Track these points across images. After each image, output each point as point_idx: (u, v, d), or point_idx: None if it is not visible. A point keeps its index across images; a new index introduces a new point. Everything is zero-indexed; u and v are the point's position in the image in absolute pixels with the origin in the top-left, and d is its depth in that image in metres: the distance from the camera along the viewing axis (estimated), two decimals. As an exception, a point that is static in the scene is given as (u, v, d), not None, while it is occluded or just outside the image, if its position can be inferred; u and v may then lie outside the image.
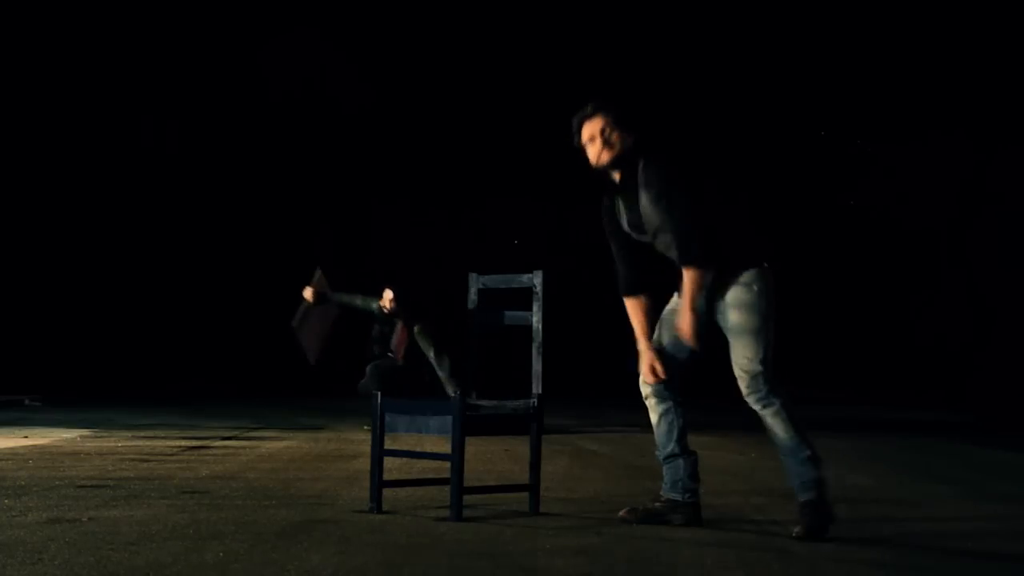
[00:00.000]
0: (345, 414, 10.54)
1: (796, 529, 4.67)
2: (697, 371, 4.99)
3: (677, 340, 4.89)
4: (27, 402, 12.21)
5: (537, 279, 5.32)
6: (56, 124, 14.81)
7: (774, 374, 4.79)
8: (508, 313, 5.47)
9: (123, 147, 15.15)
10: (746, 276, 4.80)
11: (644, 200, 4.84)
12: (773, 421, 4.78)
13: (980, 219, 14.57)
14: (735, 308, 4.80)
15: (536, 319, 5.28)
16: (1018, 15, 13.63)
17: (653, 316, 5.01)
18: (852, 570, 4.13)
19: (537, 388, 5.26)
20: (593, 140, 4.90)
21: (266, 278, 15.14)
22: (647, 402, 5.02)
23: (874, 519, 5.34)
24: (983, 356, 14.57)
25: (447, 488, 5.03)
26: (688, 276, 4.78)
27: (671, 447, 4.96)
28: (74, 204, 14.97)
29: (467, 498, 5.06)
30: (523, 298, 5.38)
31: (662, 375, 4.90)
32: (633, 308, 5.01)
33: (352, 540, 4.43)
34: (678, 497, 4.95)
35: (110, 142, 15.11)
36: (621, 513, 4.96)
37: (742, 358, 4.79)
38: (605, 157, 4.89)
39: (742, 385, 4.81)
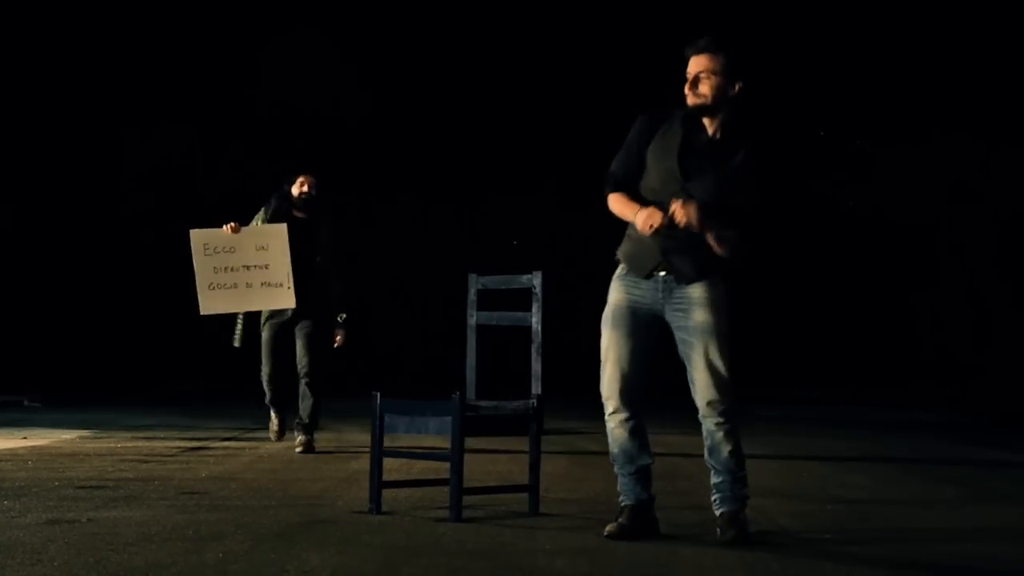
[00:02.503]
0: (343, 414, 10.54)
1: (730, 533, 4.51)
2: (661, 374, 4.78)
3: (644, 343, 4.65)
4: (26, 403, 12.21)
5: (536, 280, 5.33)
6: (54, 124, 14.81)
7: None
8: (507, 314, 5.47)
9: (123, 147, 15.16)
10: (712, 278, 4.61)
11: (735, 161, 4.56)
12: (724, 440, 4.57)
13: (980, 219, 14.58)
14: (701, 307, 4.58)
15: (535, 320, 5.29)
16: (1018, 15, 13.64)
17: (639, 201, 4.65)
18: (851, 570, 4.13)
19: (536, 389, 5.26)
20: (696, 77, 4.59)
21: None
22: (616, 415, 4.66)
23: (873, 519, 5.34)
24: (983, 356, 14.57)
25: (446, 489, 5.03)
26: (733, 232, 4.54)
27: (645, 458, 4.69)
28: (73, 204, 14.97)
29: (466, 499, 5.07)
30: (523, 299, 5.38)
31: (662, 217, 4.50)
32: (621, 195, 4.67)
33: (351, 541, 4.43)
34: (646, 500, 4.70)
35: (110, 142, 15.12)
36: (610, 528, 4.64)
37: (712, 361, 4.55)
38: (694, 99, 4.57)
39: (707, 393, 4.55)
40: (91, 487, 5.76)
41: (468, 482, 5.12)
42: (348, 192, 15.65)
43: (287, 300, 7.80)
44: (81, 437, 8.64)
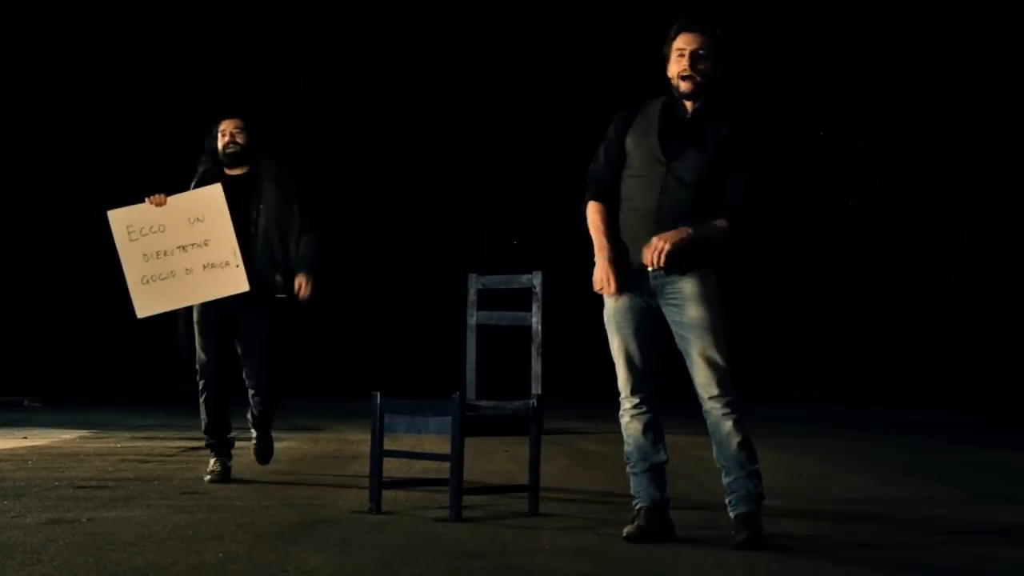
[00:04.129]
0: (343, 415, 10.54)
1: (742, 536, 4.45)
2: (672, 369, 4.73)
3: (649, 338, 4.62)
4: (27, 403, 12.21)
5: (536, 279, 5.33)
6: (54, 122, 14.80)
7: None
8: (507, 314, 5.47)
9: (122, 146, 15.16)
10: (703, 271, 4.55)
11: (719, 136, 4.54)
12: (732, 431, 4.51)
13: (981, 219, 14.58)
14: (695, 302, 4.54)
15: (535, 320, 5.29)
16: (1018, 16, 13.63)
17: (610, 233, 4.65)
18: (850, 571, 4.13)
19: (536, 389, 5.26)
20: (683, 55, 4.54)
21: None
22: (632, 412, 4.64)
23: (873, 520, 5.34)
24: (983, 355, 14.57)
25: (446, 489, 5.03)
26: (721, 224, 4.52)
27: (660, 455, 4.66)
28: (73, 204, 14.97)
29: (466, 499, 5.07)
30: (522, 298, 5.38)
31: (613, 290, 4.57)
32: (598, 212, 4.65)
33: (351, 541, 4.43)
34: (660, 501, 4.66)
35: (109, 142, 15.12)
36: (629, 530, 4.58)
37: (711, 355, 4.50)
38: (690, 78, 4.52)
39: (709, 388, 4.51)
40: (91, 487, 5.76)
41: (468, 482, 5.12)
42: (347, 192, 15.67)
43: (237, 282, 6.18)
44: (81, 437, 8.64)
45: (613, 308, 4.67)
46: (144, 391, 13.85)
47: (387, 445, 5.28)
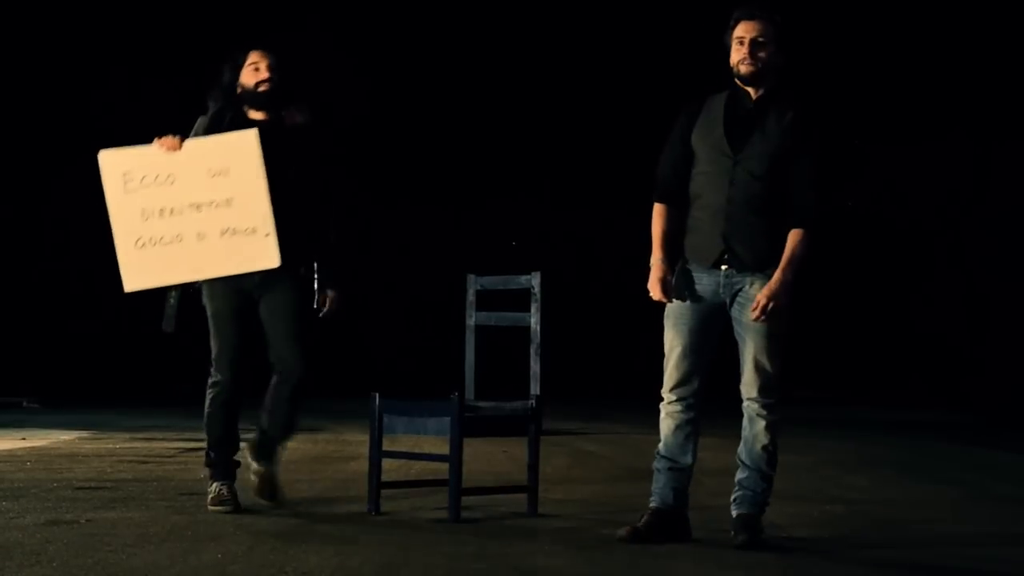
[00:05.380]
0: (342, 415, 10.54)
1: (741, 537, 4.46)
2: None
3: (706, 339, 4.59)
4: (25, 404, 12.20)
5: (535, 280, 5.34)
6: (44, 121, 14.79)
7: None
8: (506, 314, 5.48)
9: (118, 144, 15.15)
10: (773, 271, 4.50)
11: (784, 122, 4.52)
12: (764, 432, 4.54)
13: (977, 217, 14.58)
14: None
15: (534, 320, 5.30)
16: (1017, 14, 13.63)
17: (672, 238, 4.65)
18: (850, 571, 4.14)
19: (535, 389, 5.27)
20: (743, 43, 4.53)
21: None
22: (669, 409, 4.62)
23: (872, 520, 5.35)
24: (982, 355, 14.57)
25: (445, 489, 5.03)
26: (799, 237, 4.47)
27: (686, 458, 4.64)
28: (66, 201, 14.96)
29: (465, 499, 5.07)
30: (522, 299, 5.39)
31: (663, 296, 4.58)
32: (662, 215, 4.64)
33: (350, 542, 4.43)
34: (673, 506, 4.67)
35: (104, 143, 15.11)
36: (621, 532, 4.59)
37: (761, 361, 4.54)
38: (751, 64, 4.51)
39: (753, 387, 4.54)
40: (90, 488, 5.76)
41: (467, 483, 5.11)
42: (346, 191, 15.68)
43: (266, 256, 4.94)
44: (80, 438, 8.63)
45: (676, 303, 4.64)
46: (142, 392, 13.85)
47: (386, 446, 5.28)
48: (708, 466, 5.63)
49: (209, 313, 5.14)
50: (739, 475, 4.59)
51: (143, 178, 4.98)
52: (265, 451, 5.15)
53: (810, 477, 6.99)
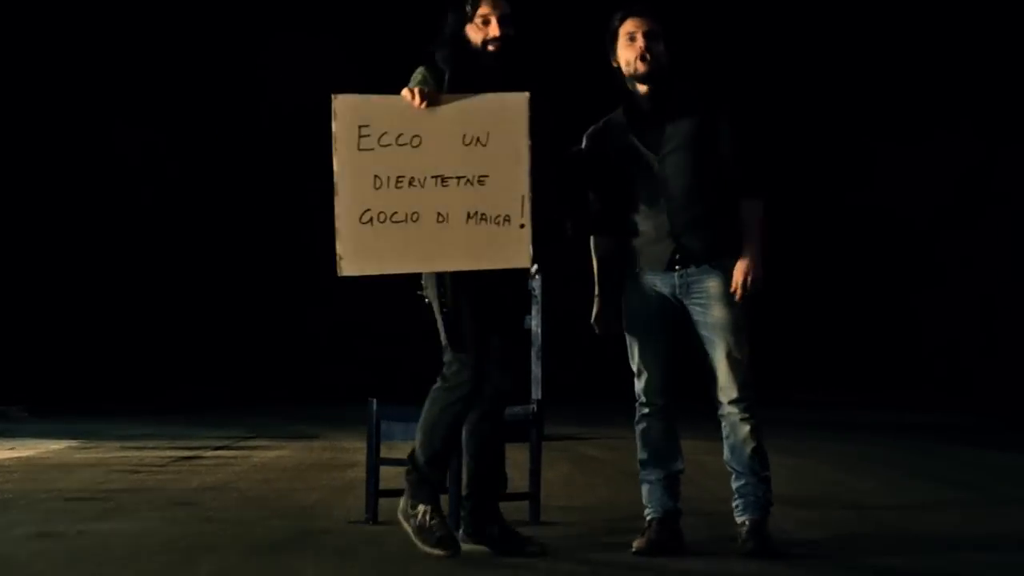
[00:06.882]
0: (341, 422, 10.51)
1: (750, 544, 4.42)
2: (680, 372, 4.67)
3: (669, 342, 4.57)
4: (13, 412, 12.17)
5: (536, 281, 5.30)
6: (32, 131, 14.79)
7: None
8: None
9: (110, 150, 15.13)
10: (729, 263, 4.49)
11: (694, 112, 4.51)
12: (748, 436, 4.48)
13: (985, 216, 14.57)
14: (721, 301, 4.48)
15: (535, 322, 5.26)
16: (1021, 10, 13.64)
17: (608, 269, 4.65)
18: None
19: (537, 393, 5.24)
20: (634, 39, 4.51)
21: (257, 281, 15.10)
22: (649, 417, 4.58)
23: (878, 524, 5.33)
24: (990, 356, 14.56)
25: (445, 497, 5.00)
26: (754, 208, 4.49)
27: (675, 463, 4.64)
28: (57, 207, 14.94)
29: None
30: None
31: (603, 331, 4.63)
32: (596, 248, 4.66)
33: (347, 552, 4.41)
34: (672, 511, 4.62)
35: (97, 146, 15.10)
36: (636, 545, 4.49)
37: (735, 353, 4.48)
38: (643, 63, 4.47)
39: (731, 389, 4.48)
40: (80, 499, 5.73)
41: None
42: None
43: (516, 252, 4.19)
44: (69, 447, 8.60)
45: (632, 311, 4.63)
46: (134, 400, 13.82)
47: (384, 453, 5.26)
48: (714, 469, 5.61)
49: (462, 311, 4.34)
50: (735, 483, 4.55)
51: (383, 135, 4.16)
52: (490, 511, 4.52)
53: (817, 480, 6.97)
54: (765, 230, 4.54)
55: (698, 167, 4.52)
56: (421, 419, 4.36)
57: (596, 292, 4.69)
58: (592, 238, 4.70)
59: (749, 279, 4.47)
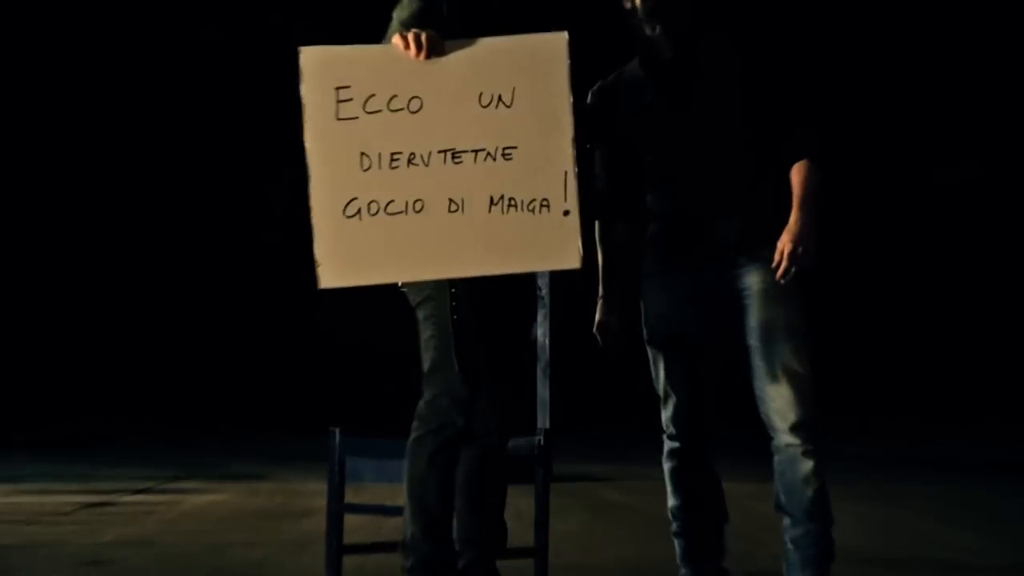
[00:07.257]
0: (291, 458, 10.51)
1: None
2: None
3: (703, 361, 4.51)
4: None
5: (543, 282, 5.26)
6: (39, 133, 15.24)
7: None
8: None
9: (112, 152, 15.52)
10: (771, 250, 4.37)
11: (729, 58, 4.46)
12: (811, 475, 4.39)
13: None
14: (767, 299, 4.39)
15: (541, 332, 5.23)
16: None
17: (616, 265, 4.58)
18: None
19: (544, 422, 5.22)
20: None
21: (188, 285, 15.23)
22: (678, 456, 4.57)
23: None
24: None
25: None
26: (809, 174, 4.37)
27: (714, 514, 4.61)
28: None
29: (454, 567, 5.03)
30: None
31: (604, 343, 4.60)
32: (602, 240, 4.57)
33: (303, 624, 4.40)
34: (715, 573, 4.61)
35: (90, 148, 15.49)
36: None
37: (788, 367, 4.37)
38: None
39: (788, 414, 4.38)
40: (-42, 558, 5.72)
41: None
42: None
43: (561, 249, 3.96)
44: (-55, 492, 8.60)
45: (653, 318, 4.56)
46: (27, 432, 13.81)
47: (349, 498, 5.23)
48: (769, 521, 5.57)
49: (439, 322, 4.20)
50: (790, 533, 4.46)
51: (370, 98, 3.82)
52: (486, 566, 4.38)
53: (904, 535, 6.98)
54: (818, 197, 4.41)
55: (737, 130, 4.45)
56: (405, 480, 4.19)
57: (600, 293, 4.62)
58: (597, 224, 4.59)
59: (800, 249, 4.32)
